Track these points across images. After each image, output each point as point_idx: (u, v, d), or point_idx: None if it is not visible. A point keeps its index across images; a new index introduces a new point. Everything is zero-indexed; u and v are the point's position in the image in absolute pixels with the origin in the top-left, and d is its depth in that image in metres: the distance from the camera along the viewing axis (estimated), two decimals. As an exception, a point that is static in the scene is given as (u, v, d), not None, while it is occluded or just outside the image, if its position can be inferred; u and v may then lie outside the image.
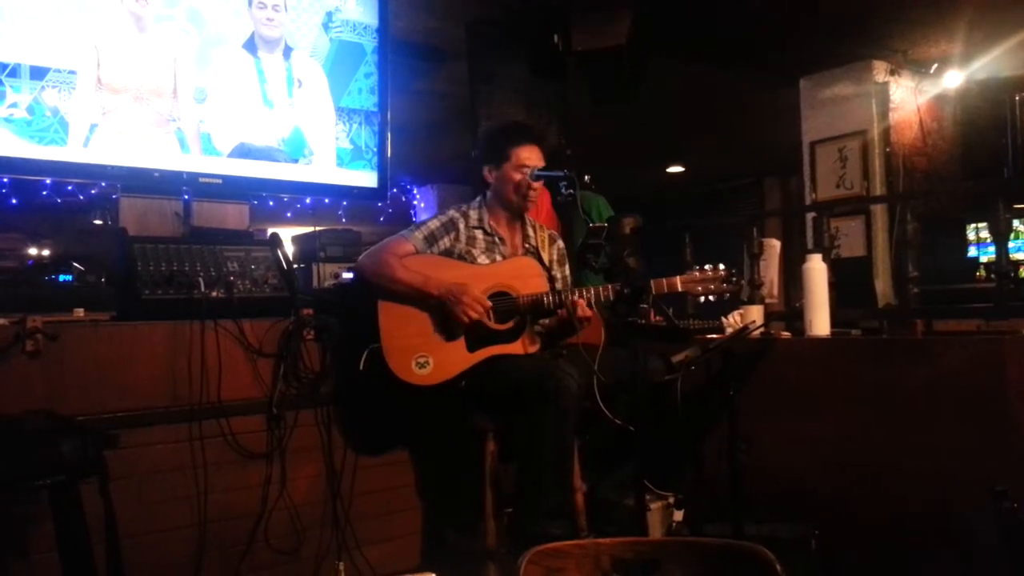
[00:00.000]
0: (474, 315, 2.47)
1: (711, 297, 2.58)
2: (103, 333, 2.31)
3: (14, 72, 2.52)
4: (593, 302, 2.52)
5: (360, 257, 2.69)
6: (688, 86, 6.04)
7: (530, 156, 2.67)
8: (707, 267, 2.58)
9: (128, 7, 2.74)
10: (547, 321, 2.68)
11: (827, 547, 2.39)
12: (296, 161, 3.13)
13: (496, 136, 2.80)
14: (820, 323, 2.74)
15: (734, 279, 2.58)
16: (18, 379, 2.13)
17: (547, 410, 2.34)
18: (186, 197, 2.85)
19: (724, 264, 2.60)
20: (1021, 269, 5.26)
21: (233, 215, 2.99)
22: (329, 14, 3.22)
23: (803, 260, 2.80)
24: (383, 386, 2.50)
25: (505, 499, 2.56)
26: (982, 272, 5.70)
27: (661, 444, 2.66)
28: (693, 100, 6.49)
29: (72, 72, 2.62)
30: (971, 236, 6.19)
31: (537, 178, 2.66)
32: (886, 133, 5.64)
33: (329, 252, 3.13)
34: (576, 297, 2.50)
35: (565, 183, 2.57)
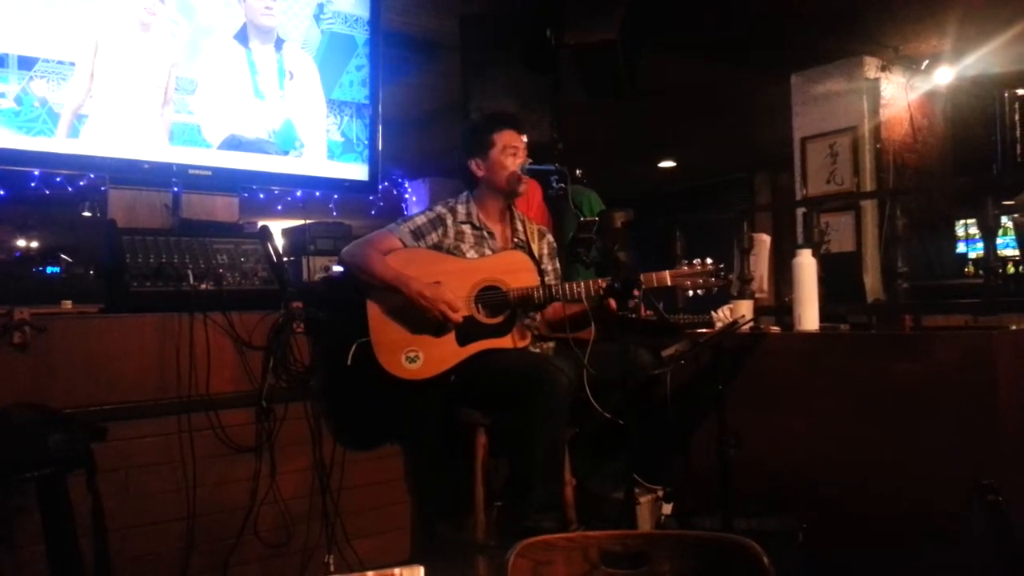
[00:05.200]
0: (456, 318, 2.47)
1: (700, 291, 2.59)
2: (91, 325, 2.30)
3: (2, 62, 2.50)
4: (584, 296, 2.53)
5: (343, 249, 2.68)
6: (680, 82, 6.03)
7: (513, 139, 2.68)
8: (696, 261, 2.58)
9: (138, 16, 2.73)
10: (562, 314, 2.66)
11: (815, 541, 2.40)
12: (287, 153, 3.12)
13: (476, 128, 2.80)
14: (809, 318, 2.76)
15: (723, 273, 2.59)
16: (5, 371, 2.12)
17: (538, 404, 2.34)
18: (175, 189, 2.84)
19: (713, 259, 2.60)
20: (1009, 265, 5.29)
21: (223, 207, 2.98)
22: (320, 6, 3.20)
23: (793, 255, 2.81)
24: (373, 380, 2.50)
25: (495, 493, 2.56)
26: (971, 268, 5.74)
27: (650, 438, 2.66)
28: (685, 96, 6.48)
29: (61, 62, 2.60)
30: (960, 232, 6.22)
31: (529, 172, 2.66)
32: (877, 129, 5.66)
33: (319, 245, 3.12)
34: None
35: (556, 177, 2.56)
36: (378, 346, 2.49)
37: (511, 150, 2.66)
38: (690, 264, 2.58)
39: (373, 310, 2.52)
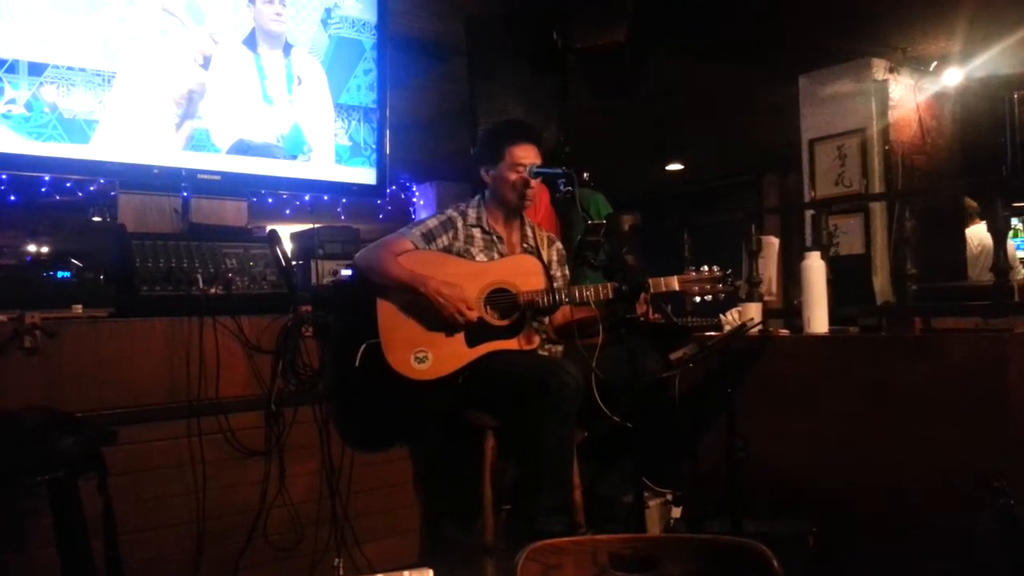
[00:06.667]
0: (471, 316, 2.48)
1: (708, 297, 2.60)
2: (101, 329, 2.31)
3: (12, 68, 2.52)
4: (592, 300, 2.53)
5: (357, 253, 2.70)
6: (688, 84, 6.03)
7: (525, 154, 2.67)
8: (704, 268, 2.59)
9: (155, 20, 2.74)
10: (570, 319, 2.66)
11: (825, 544, 2.39)
12: (295, 158, 3.13)
13: (492, 136, 2.82)
14: (818, 320, 2.75)
15: (730, 280, 2.59)
16: (16, 375, 2.13)
17: (545, 406, 2.34)
18: (185, 194, 2.85)
19: (721, 264, 2.61)
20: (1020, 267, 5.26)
21: (232, 212, 2.99)
22: (328, 10, 3.21)
23: (802, 258, 2.81)
24: (382, 383, 2.50)
25: (504, 496, 2.56)
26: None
27: (659, 441, 2.66)
28: (693, 98, 6.48)
29: (71, 68, 2.62)
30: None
31: (536, 175, 2.66)
32: (885, 131, 5.64)
33: (328, 249, 3.12)
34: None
35: (564, 180, 2.57)
36: (387, 345, 2.49)
37: (520, 167, 2.66)
38: (698, 270, 2.59)
39: (383, 310, 2.53)
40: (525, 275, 2.61)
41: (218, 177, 2.89)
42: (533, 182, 2.67)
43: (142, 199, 2.81)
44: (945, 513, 2.29)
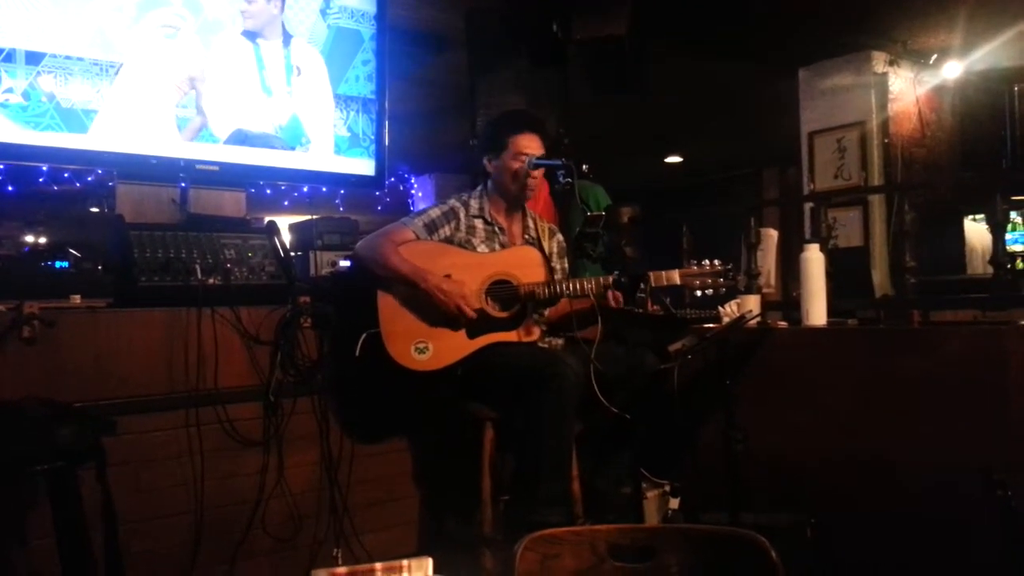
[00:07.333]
0: (471, 313, 2.48)
1: (708, 291, 2.59)
2: (100, 320, 2.31)
3: (9, 57, 2.51)
4: (592, 292, 2.53)
5: (358, 243, 2.70)
6: (687, 76, 6.02)
7: (528, 144, 2.67)
8: (704, 262, 2.59)
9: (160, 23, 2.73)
10: (565, 311, 2.67)
11: (823, 536, 2.40)
12: (293, 149, 3.12)
13: (495, 126, 2.82)
14: (817, 313, 2.75)
15: (731, 274, 2.59)
16: (15, 365, 2.13)
17: (546, 398, 2.34)
18: (183, 184, 2.84)
19: (721, 258, 2.61)
20: (1018, 260, 5.27)
21: (230, 202, 2.99)
22: (327, 1, 3.20)
23: (800, 250, 2.81)
24: (382, 374, 2.50)
25: (502, 487, 2.57)
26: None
27: (658, 433, 2.66)
28: (692, 90, 6.47)
29: (68, 57, 2.60)
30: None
31: (535, 166, 2.66)
32: (885, 124, 5.64)
33: (326, 240, 3.12)
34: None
35: (562, 172, 2.57)
36: (388, 336, 2.50)
37: (523, 157, 2.65)
38: (699, 264, 2.59)
39: (384, 301, 2.53)
40: (526, 267, 2.61)
41: (216, 167, 2.89)
42: (535, 172, 2.66)
43: (140, 189, 2.80)
44: (944, 506, 2.29)
